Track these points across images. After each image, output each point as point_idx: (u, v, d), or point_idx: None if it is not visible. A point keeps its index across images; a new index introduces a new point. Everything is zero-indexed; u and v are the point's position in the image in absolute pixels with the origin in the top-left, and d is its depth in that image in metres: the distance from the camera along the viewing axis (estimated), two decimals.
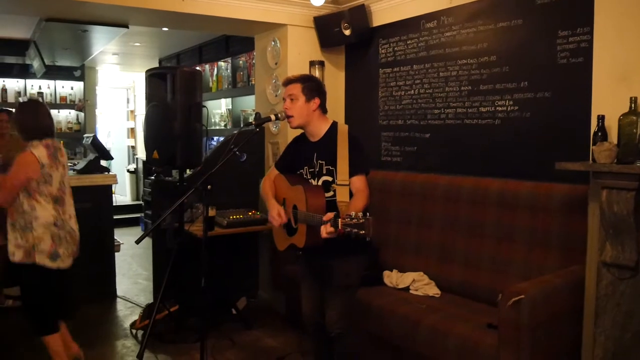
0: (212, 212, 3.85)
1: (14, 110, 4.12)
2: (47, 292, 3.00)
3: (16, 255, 2.90)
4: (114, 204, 4.90)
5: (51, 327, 3.03)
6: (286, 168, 2.87)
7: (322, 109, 2.72)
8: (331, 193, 2.63)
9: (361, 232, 2.16)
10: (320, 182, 2.68)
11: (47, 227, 2.91)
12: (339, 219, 2.23)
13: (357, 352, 2.80)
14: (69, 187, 3.13)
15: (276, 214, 2.69)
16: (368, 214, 2.19)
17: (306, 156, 2.74)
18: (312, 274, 2.81)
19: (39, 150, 2.91)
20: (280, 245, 2.86)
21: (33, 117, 2.99)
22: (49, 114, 3.10)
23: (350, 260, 2.62)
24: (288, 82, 2.73)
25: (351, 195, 2.54)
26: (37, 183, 2.89)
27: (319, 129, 2.72)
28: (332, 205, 2.56)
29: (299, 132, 2.83)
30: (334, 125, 2.73)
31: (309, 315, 2.83)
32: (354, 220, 2.18)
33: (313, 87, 2.69)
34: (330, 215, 2.31)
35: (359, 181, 2.56)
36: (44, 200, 2.92)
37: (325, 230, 2.30)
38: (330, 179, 2.65)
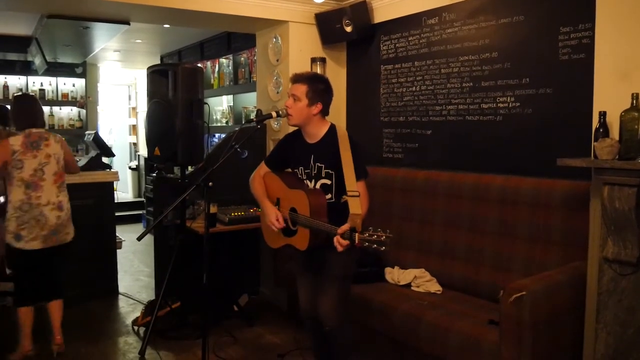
0: (213, 209, 3.85)
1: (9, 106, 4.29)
2: (18, 268, 3.38)
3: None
4: (116, 201, 4.90)
5: (20, 301, 3.36)
6: (277, 165, 2.87)
7: (323, 113, 2.70)
8: (329, 196, 2.64)
9: (381, 248, 2.20)
10: (318, 185, 2.67)
11: (14, 210, 3.23)
12: (356, 233, 2.27)
13: (354, 347, 2.80)
14: (53, 175, 3.34)
15: (275, 219, 2.69)
16: (388, 230, 2.22)
17: (302, 156, 2.73)
18: (308, 267, 2.81)
19: (15, 139, 3.25)
20: (273, 243, 2.86)
21: (21, 110, 3.36)
22: (37, 107, 3.43)
23: (344, 252, 2.62)
24: (295, 80, 2.69)
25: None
26: (11, 168, 3.22)
27: (317, 131, 2.71)
28: (331, 207, 2.58)
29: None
30: (332, 129, 2.71)
31: (307, 309, 2.83)
32: (374, 237, 2.22)
33: (318, 91, 2.65)
34: (345, 227, 2.34)
35: (361, 186, 2.57)
36: (17, 184, 3.23)
37: (341, 244, 2.35)
38: (329, 182, 2.65)
